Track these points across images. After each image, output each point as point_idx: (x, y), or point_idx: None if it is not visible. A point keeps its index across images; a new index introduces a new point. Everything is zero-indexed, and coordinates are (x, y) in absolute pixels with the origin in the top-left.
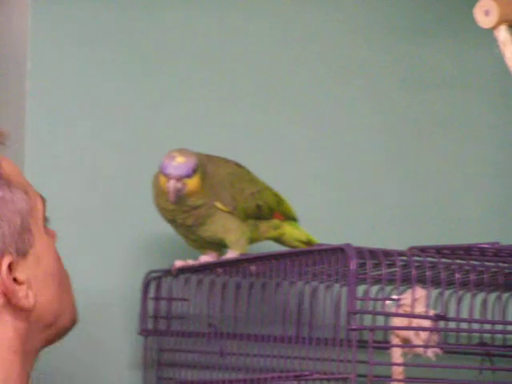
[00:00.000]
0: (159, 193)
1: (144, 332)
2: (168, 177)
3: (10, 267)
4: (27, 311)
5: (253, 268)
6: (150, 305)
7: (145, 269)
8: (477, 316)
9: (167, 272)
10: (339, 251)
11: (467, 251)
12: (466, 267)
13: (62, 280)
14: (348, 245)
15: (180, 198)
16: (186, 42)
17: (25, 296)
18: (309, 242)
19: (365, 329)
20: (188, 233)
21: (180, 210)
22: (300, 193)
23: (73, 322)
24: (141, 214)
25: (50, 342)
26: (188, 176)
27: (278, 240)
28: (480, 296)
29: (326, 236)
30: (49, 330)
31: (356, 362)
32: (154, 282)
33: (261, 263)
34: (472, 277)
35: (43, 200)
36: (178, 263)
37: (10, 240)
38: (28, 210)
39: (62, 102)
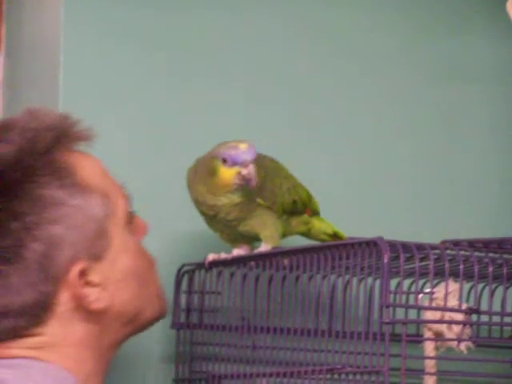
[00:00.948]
0: (213, 187)
1: (176, 325)
2: (244, 164)
3: (83, 272)
4: (99, 313)
5: (285, 261)
6: (183, 298)
7: (178, 262)
8: (509, 309)
9: (200, 265)
10: (372, 244)
11: (500, 244)
12: (499, 261)
13: (144, 277)
14: (381, 238)
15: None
16: (221, 42)
17: (97, 299)
18: (335, 235)
19: (398, 322)
20: (225, 228)
21: (229, 205)
22: (332, 187)
23: (158, 315)
24: (173, 208)
25: (132, 334)
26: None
27: (306, 234)
28: None
29: (358, 229)
30: (129, 326)
31: (388, 356)
32: (186, 275)
33: (294, 257)
34: (505, 270)
35: (127, 197)
36: (211, 256)
37: (82, 246)
38: (105, 214)
39: (94, 99)
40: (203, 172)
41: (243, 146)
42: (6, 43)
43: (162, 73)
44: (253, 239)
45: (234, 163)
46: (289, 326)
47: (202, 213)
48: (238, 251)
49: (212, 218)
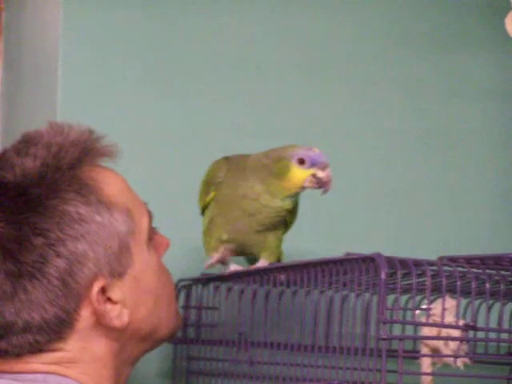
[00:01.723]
0: (289, 187)
1: (173, 340)
2: (322, 166)
3: (104, 289)
4: (119, 330)
5: (282, 277)
6: (180, 313)
7: (174, 277)
8: (506, 326)
9: (197, 280)
10: (370, 260)
11: (497, 261)
12: (496, 277)
13: (162, 295)
14: (379, 254)
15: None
16: (225, 48)
17: (117, 316)
18: None
19: (395, 338)
20: (243, 233)
21: (279, 209)
22: (330, 202)
23: (174, 330)
24: (170, 222)
25: (149, 350)
26: None
27: None
28: (509, 306)
29: (356, 245)
30: (146, 342)
31: (385, 372)
32: (183, 290)
33: (291, 272)
34: (501, 287)
35: (150, 214)
36: (233, 267)
37: (104, 263)
38: (128, 231)
39: (92, 112)
40: (264, 172)
41: (316, 150)
42: (5, 57)
43: (161, 86)
44: (252, 253)
45: (313, 164)
46: (286, 342)
47: (238, 208)
48: (236, 267)
49: (243, 216)
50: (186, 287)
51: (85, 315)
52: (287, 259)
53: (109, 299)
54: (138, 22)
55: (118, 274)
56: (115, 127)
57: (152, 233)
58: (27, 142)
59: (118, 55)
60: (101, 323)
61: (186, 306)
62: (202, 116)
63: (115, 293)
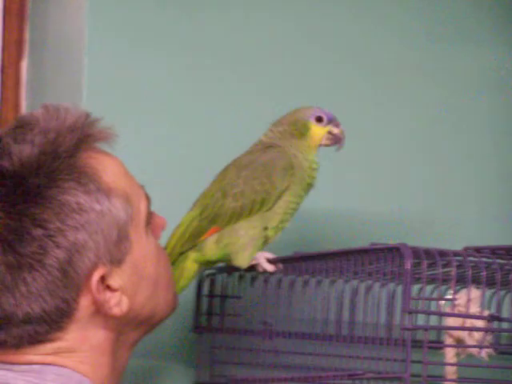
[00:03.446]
0: (312, 145)
1: (198, 329)
2: (337, 122)
3: (103, 277)
4: (118, 317)
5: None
6: (204, 302)
7: None
8: None
9: (221, 269)
10: (395, 250)
11: None
12: None
13: (160, 279)
14: (404, 244)
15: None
16: (246, 40)
17: (117, 303)
18: None
19: (419, 328)
20: (297, 204)
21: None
22: (357, 192)
23: (170, 311)
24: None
25: (146, 333)
26: None
27: None
28: None
29: (381, 235)
30: (143, 326)
31: (410, 362)
32: (207, 279)
33: (317, 261)
34: None
35: (148, 198)
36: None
37: (104, 251)
38: (127, 218)
39: (118, 101)
40: (288, 138)
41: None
42: (30, 46)
43: (186, 73)
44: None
45: (330, 121)
46: (310, 331)
47: (301, 181)
48: (267, 255)
49: (302, 189)
50: (210, 276)
51: (84, 304)
52: (312, 249)
53: (108, 287)
54: (165, 10)
55: (117, 261)
56: (141, 116)
57: (150, 217)
58: (23, 128)
59: (143, 43)
60: (100, 312)
61: (211, 295)
62: (227, 107)
63: (114, 280)
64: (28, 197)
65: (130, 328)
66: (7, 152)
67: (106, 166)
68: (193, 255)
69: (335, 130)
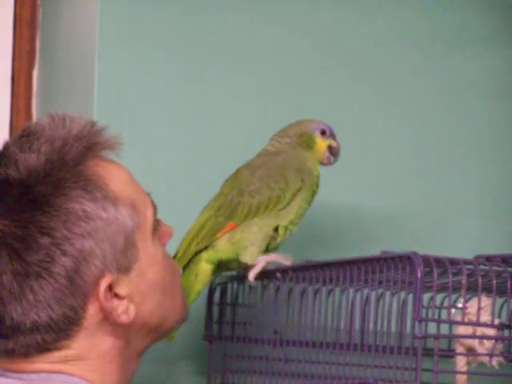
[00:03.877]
0: (317, 157)
1: (209, 337)
2: (333, 135)
3: (111, 285)
4: (125, 325)
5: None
6: (215, 311)
7: None
8: None
9: (232, 278)
10: (406, 259)
11: None
12: None
13: (168, 287)
14: (415, 253)
15: None
16: (256, 42)
17: (124, 311)
18: None
19: (430, 337)
20: (305, 209)
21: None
22: (368, 201)
23: (180, 321)
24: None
25: (154, 342)
26: None
27: None
28: None
29: (392, 243)
30: (152, 335)
31: (420, 370)
32: (219, 287)
33: (327, 270)
34: None
35: (154, 205)
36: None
37: (111, 259)
38: (134, 226)
39: (128, 110)
40: (296, 148)
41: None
42: (41, 56)
43: (196, 80)
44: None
45: (331, 134)
46: (321, 340)
47: (310, 188)
48: (266, 258)
49: (311, 195)
50: (221, 284)
51: (92, 312)
52: (323, 257)
53: (115, 295)
54: (176, 16)
55: (124, 269)
56: (152, 123)
57: (156, 224)
58: (29, 136)
59: (154, 51)
60: (108, 319)
61: (222, 304)
62: (238, 118)
63: (122, 288)
64: (34, 205)
65: (139, 336)
66: (13, 161)
67: (113, 174)
68: (206, 255)
69: (334, 144)
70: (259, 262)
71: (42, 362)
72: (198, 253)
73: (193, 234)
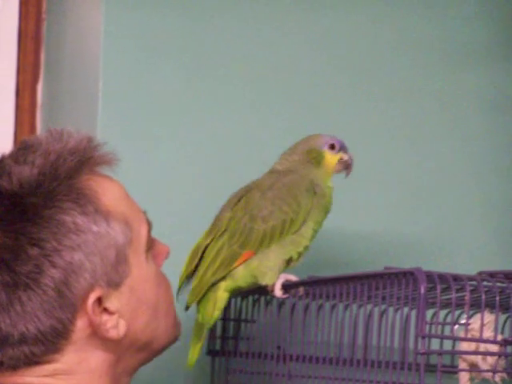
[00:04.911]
0: (327, 173)
1: (212, 352)
2: (346, 149)
3: (100, 299)
4: (115, 340)
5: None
6: (218, 326)
7: None
8: None
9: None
10: (409, 275)
11: None
12: None
13: (160, 305)
14: (418, 269)
15: None
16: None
17: (114, 326)
18: None
19: (433, 353)
20: (316, 231)
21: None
22: (371, 216)
23: (172, 341)
24: None
25: (146, 361)
26: None
27: None
28: None
29: (395, 259)
30: (143, 352)
31: None
32: None
33: (331, 286)
34: None
35: (149, 223)
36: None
37: (100, 274)
38: (126, 241)
39: (132, 124)
40: (305, 166)
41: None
42: (46, 69)
43: (203, 93)
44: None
45: (341, 148)
46: (324, 355)
47: (323, 208)
48: (285, 276)
49: (323, 215)
50: None
51: (81, 326)
52: (326, 273)
53: (105, 310)
54: (181, 31)
55: (114, 284)
56: (156, 136)
57: (151, 242)
58: (26, 149)
59: (159, 65)
60: (97, 334)
61: (225, 319)
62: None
63: (112, 303)
64: (25, 216)
65: (130, 353)
66: (7, 172)
67: (106, 189)
68: (224, 285)
69: (345, 157)
70: (279, 279)
71: (31, 376)
72: (216, 282)
73: (208, 262)
